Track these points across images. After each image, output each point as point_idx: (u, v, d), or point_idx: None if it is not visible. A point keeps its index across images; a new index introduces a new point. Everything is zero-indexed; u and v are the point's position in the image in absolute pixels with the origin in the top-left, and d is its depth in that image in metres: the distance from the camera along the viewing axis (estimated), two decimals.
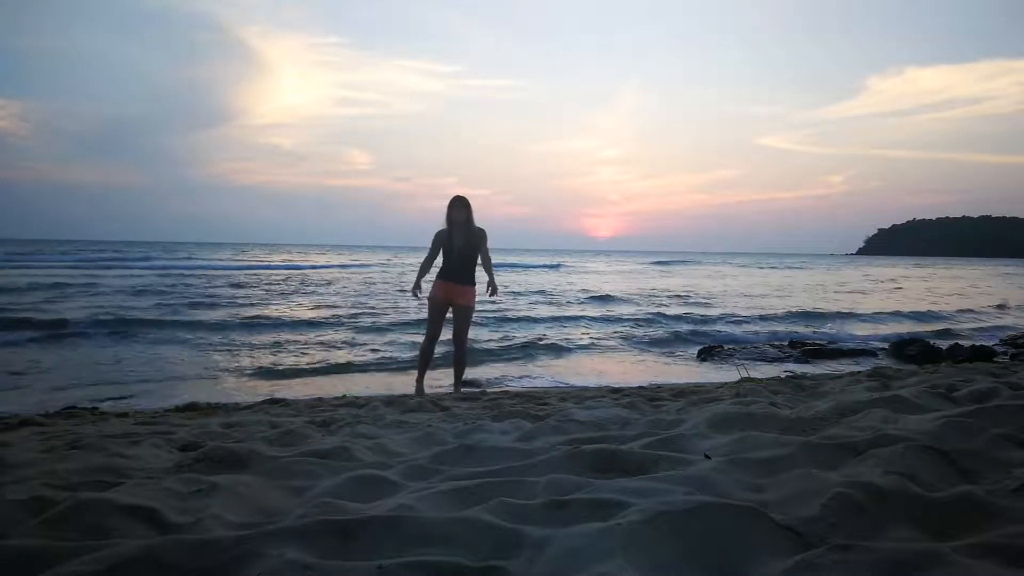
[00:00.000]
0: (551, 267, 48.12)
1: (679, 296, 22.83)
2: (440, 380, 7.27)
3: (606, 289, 25.10)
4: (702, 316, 16.01)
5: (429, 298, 6.32)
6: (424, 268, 6.33)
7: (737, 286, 29.81)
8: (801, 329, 14.05)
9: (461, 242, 6.15)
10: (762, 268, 55.90)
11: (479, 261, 6.27)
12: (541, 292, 23.31)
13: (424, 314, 6.60)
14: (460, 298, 6.23)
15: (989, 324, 15.77)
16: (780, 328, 14.21)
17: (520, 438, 2.92)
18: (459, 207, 6.17)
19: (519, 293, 22.64)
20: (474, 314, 6.50)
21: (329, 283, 25.49)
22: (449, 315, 6.31)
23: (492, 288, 6.22)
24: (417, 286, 6.38)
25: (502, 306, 16.73)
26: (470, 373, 7.47)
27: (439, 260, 6.33)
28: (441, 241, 6.23)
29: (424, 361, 6.42)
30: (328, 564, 1.39)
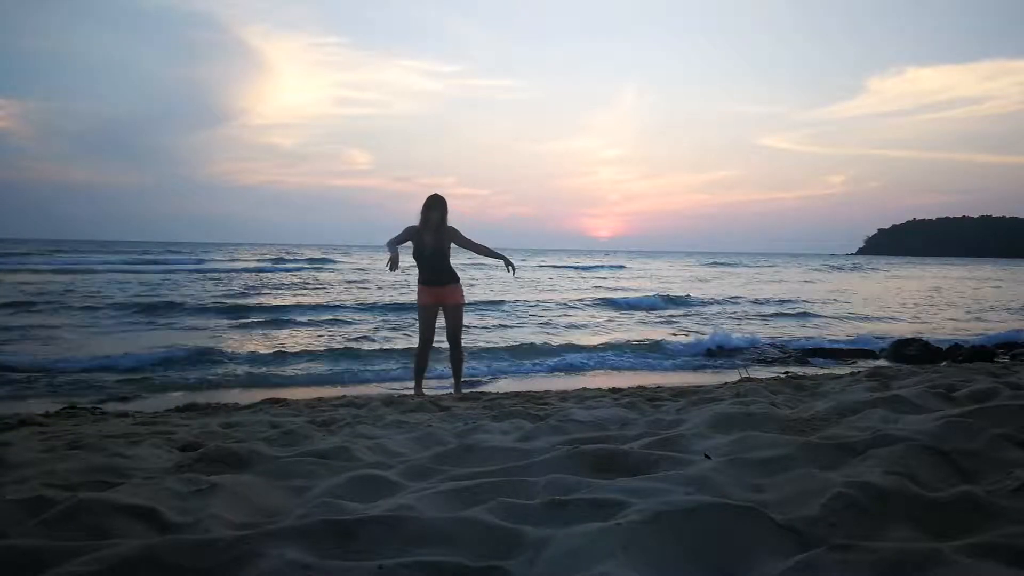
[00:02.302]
0: (615, 268, 46.03)
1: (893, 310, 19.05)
2: (439, 381, 7.28)
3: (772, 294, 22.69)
4: None
5: (418, 305, 6.29)
6: (392, 243, 6.10)
7: (878, 291, 26.67)
8: None
9: (431, 241, 6.09)
10: (839, 270, 51.14)
11: (478, 251, 6.36)
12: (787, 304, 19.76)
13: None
14: (448, 298, 6.22)
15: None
16: None
17: (520, 438, 2.92)
18: (435, 207, 6.10)
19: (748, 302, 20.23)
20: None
21: (330, 283, 25.47)
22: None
23: (510, 266, 6.35)
24: (393, 260, 5.97)
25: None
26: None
27: (415, 264, 6.27)
28: (411, 236, 6.14)
29: (420, 367, 6.39)
30: (328, 564, 1.39)
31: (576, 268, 43.06)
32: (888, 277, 41.16)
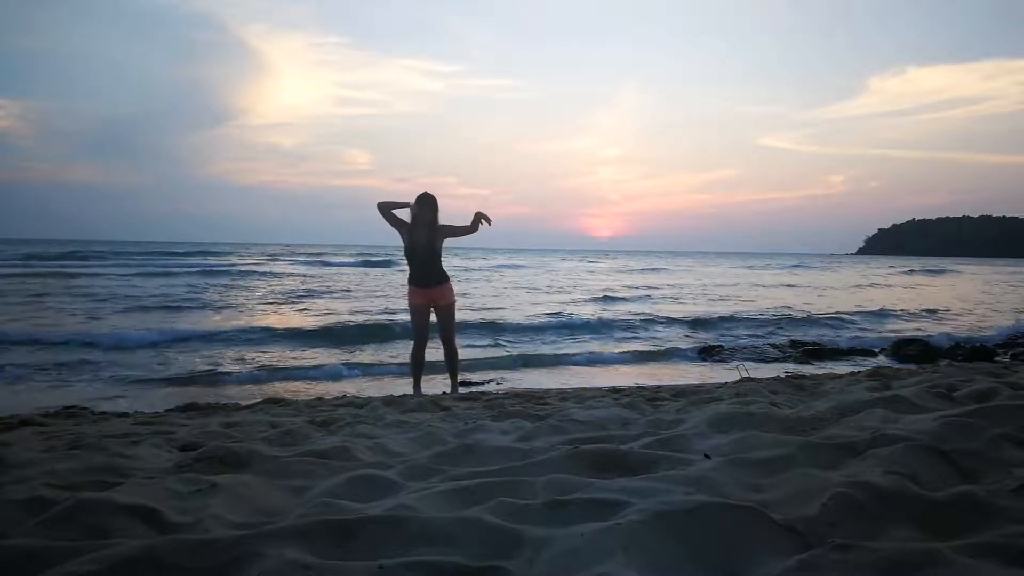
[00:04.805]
0: (655, 271, 42.77)
1: None
2: (435, 380, 7.27)
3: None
4: None
5: (409, 305, 6.30)
6: (391, 203, 6.12)
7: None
8: None
9: (423, 240, 6.09)
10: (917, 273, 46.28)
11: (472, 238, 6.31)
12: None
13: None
14: (440, 298, 6.24)
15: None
16: None
17: (520, 438, 2.92)
18: (426, 206, 6.08)
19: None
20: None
21: (330, 283, 25.46)
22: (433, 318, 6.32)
23: (485, 219, 6.18)
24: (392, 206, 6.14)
25: None
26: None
27: (407, 264, 6.27)
28: (403, 232, 6.13)
29: (417, 368, 6.39)
30: (328, 564, 1.39)
31: (650, 271, 41.13)
32: (986, 281, 35.70)
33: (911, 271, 48.98)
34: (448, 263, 6.44)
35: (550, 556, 1.43)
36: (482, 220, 6.17)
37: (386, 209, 6.11)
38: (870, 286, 30.22)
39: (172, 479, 2.07)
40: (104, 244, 78.98)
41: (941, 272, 47.54)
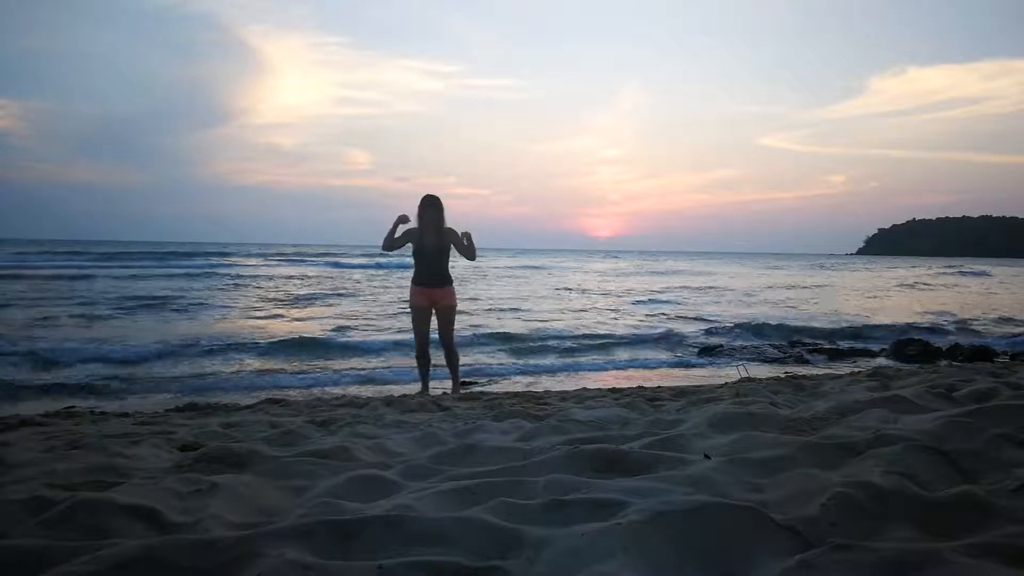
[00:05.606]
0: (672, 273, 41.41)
1: None
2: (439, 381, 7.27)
3: None
4: None
5: (411, 306, 6.32)
6: (389, 237, 6.16)
7: None
8: None
9: (432, 242, 6.13)
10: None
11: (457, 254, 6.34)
12: None
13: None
14: (441, 300, 6.26)
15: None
16: None
17: (520, 438, 2.92)
18: (432, 208, 6.13)
19: None
20: None
21: (334, 285, 25.45)
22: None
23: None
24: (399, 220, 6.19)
25: None
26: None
27: (412, 262, 6.31)
28: (411, 239, 6.19)
29: (424, 367, 6.41)
30: (328, 564, 1.39)
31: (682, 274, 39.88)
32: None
33: (936, 272, 47.19)
34: (453, 263, 6.45)
35: (550, 556, 1.43)
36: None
37: (390, 242, 6.17)
38: (915, 288, 29.36)
39: (172, 479, 2.07)
40: (104, 244, 78.94)
41: (975, 274, 45.04)
